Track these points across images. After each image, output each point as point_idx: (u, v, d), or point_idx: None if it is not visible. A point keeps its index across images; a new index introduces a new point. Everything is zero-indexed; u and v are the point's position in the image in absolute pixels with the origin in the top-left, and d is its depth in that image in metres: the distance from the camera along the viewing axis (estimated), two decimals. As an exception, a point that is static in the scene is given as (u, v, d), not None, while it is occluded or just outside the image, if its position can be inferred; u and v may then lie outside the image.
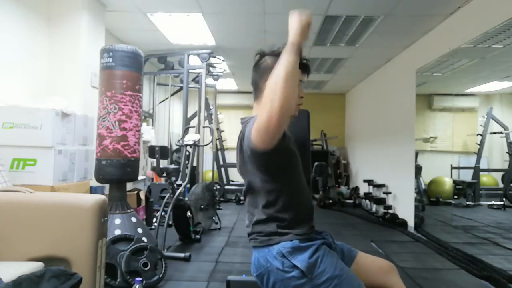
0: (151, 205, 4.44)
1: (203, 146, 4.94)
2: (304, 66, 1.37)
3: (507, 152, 4.78)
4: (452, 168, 5.32)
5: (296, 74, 1.14)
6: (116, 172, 2.85)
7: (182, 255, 3.28)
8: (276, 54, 1.29)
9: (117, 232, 2.73)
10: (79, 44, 3.54)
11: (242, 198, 7.02)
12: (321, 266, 1.25)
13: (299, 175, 1.39)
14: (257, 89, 1.38)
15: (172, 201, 3.55)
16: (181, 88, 5.99)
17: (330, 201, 6.63)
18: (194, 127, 5.51)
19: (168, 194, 3.70)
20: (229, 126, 8.68)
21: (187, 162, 4.29)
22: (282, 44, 1.22)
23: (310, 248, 1.28)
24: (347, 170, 8.40)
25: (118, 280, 2.48)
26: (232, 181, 8.01)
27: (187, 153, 4.63)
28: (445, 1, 3.62)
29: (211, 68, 6.00)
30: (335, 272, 1.25)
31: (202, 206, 4.35)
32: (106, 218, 1.91)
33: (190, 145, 4.05)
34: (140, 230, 2.89)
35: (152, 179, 5.35)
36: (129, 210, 2.99)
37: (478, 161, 5.11)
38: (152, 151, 4.16)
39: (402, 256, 3.62)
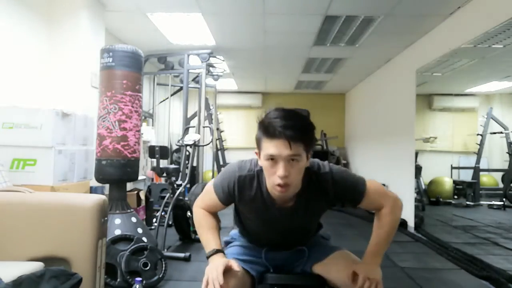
0: (151, 205, 4.44)
1: (203, 146, 4.94)
2: (266, 128, 1.22)
3: (507, 152, 4.78)
4: (452, 168, 5.32)
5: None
6: (116, 172, 2.85)
7: (182, 255, 3.28)
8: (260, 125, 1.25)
9: (117, 232, 2.72)
10: (79, 44, 3.54)
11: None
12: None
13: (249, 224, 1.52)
14: None
15: (172, 201, 3.54)
16: (181, 88, 5.98)
17: (330, 201, 6.62)
18: (194, 127, 5.51)
19: (168, 194, 3.69)
20: (229, 126, 8.68)
21: (187, 162, 4.28)
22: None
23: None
24: (347, 170, 8.39)
25: (118, 280, 2.48)
26: (232, 181, 7.99)
27: (187, 153, 4.63)
28: (445, 1, 3.62)
29: (211, 68, 6.00)
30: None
31: (202, 206, 4.35)
32: (106, 218, 1.91)
33: (190, 145, 4.04)
34: (140, 230, 2.89)
35: (152, 179, 5.35)
36: (129, 210, 2.99)
37: (478, 161, 5.12)
38: (152, 151, 4.16)
39: (402, 256, 3.62)
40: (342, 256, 1.42)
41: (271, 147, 1.20)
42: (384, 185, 5.89)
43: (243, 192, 1.35)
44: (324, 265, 1.42)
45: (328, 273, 1.41)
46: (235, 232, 1.63)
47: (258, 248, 1.53)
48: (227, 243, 1.62)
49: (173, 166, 4.14)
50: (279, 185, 1.22)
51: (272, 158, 1.21)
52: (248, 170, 1.36)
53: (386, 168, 5.94)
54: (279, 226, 1.42)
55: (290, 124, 1.19)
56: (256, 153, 1.30)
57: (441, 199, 5.32)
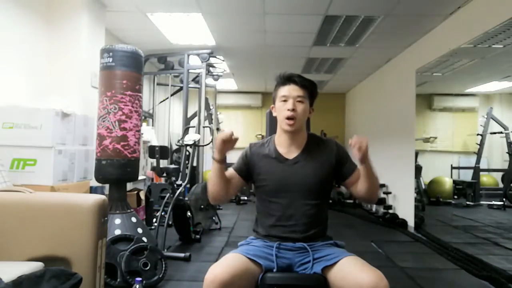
0: (151, 205, 4.44)
1: (203, 146, 4.94)
2: (281, 78, 1.63)
3: (507, 152, 4.78)
4: (452, 168, 5.32)
5: (215, 174, 1.58)
6: (116, 172, 2.85)
7: (182, 255, 3.28)
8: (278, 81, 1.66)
9: (117, 232, 2.72)
10: (79, 44, 3.54)
11: (242, 198, 7.06)
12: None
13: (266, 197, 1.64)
14: None
15: (172, 201, 3.54)
16: (181, 88, 5.99)
17: (330, 201, 6.62)
18: (194, 127, 5.51)
19: (168, 194, 3.69)
20: (229, 126, 8.67)
21: (187, 162, 4.28)
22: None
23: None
24: (347, 170, 8.40)
25: (118, 280, 2.48)
26: (232, 181, 8.00)
27: (187, 153, 4.63)
28: (445, 1, 3.62)
29: (211, 68, 6.00)
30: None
31: (202, 206, 4.35)
32: (106, 218, 1.91)
33: (190, 145, 4.05)
34: (140, 230, 2.89)
35: (152, 179, 5.35)
36: (129, 210, 2.98)
37: (478, 161, 5.11)
38: (152, 151, 4.16)
39: (402, 256, 3.62)
40: (352, 261, 1.44)
41: (284, 90, 1.60)
42: (384, 185, 5.90)
43: (256, 152, 1.66)
44: (334, 269, 1.44)
45: (337, 276, 1.43)
46: (251, 237, 1.69)
47: (269, 247, 1.56)
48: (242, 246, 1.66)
49: (173, 166, 4.14)
50: (287, 118, 1.57)
51: (285, 100, 1.59)
52: (257, 141, 1.75)
53: (386, 168, 5.94)
54: (288, 185, 1.58)
55: (299, 76, 1.62)
56: (272, 107, 1.69)
57: (441, 199, 5.32)
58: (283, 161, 1.62)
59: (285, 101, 1.59)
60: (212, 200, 1.65)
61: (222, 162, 1.57)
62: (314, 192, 1.59)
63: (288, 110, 1.56)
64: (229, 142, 1.53)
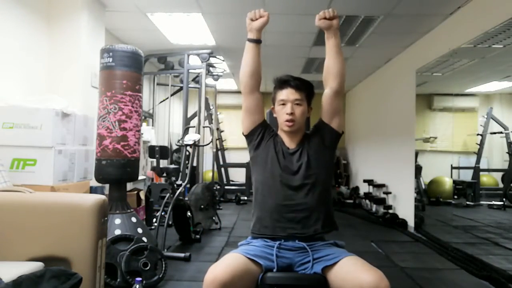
0: (151, 205, 4.44)
1: (203, 146, 4.94)
2: (278, 82, 1.71)
3: (507, 152, 4.78)
4: (452, 168, 5.32)
5: (246, 51, 1.75)
6: (116, 172, 2.85)
7: (182, 255, 3.28)
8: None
9: (117, 232, 2.72)
10: (79, 44, 3.54)
11: (242, 198, 7.07)
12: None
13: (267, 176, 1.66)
14: None
15: (172, 201, 3.54)
16: (181, 88, 5.99)
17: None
18: (194, 127, 5.51)
19: (168, 194, 3.69)
20: (229, 126, 8.68)
21: (187, 162, 4.28)
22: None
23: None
24: (347, 170, 8.41)
25: (118, 280, 2.48)
26: (232, 181, 8.01)
27: (187, 153, 4.63)
28: (445, 1, 3.62)
29: (211, 68, 6.00)
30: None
31: (202, 206, 4.35)
32: (106, 218, 1.91)
33: (190, 145, 4.05)
34: (140, 230, 2.89)
35: (152, 179, 5.35)
36: (129, 210, 2.99)
37: (478, 161, 5.11)
38: (152, 151, 4.16)
39: (402, 256, 3.62)
40: (353, 261, 1.45)
41: (282, 94, 1.68)
42: (384, 185, 5.91)
43: (268, 129, 1.73)
44: (334, 269, 1.45)
45: (337, 276, 1.43)
46: (250, 237, 1.69)
47: (269, 246, 1.57)
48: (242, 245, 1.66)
49: (173, 166, 4.14)
50: (287, 120, 1.65)
51: (283, 103, 1.67)
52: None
53: (386, 168, 5.94)
54: (291, 169, 1.63)
55: (296, 78, 1.70)
56: (272, 108, 1.76)
57: (441, 199, 5.32)
58: (287, 149, 1.69)
59: (283, 104, 1.67)
60: (241, 75, 1.71)
61: (255, 42, 1.72)
62: (316, 177, 1.62)
63: (287, 114, 1.64)
64: (258, 19, 1.75)
